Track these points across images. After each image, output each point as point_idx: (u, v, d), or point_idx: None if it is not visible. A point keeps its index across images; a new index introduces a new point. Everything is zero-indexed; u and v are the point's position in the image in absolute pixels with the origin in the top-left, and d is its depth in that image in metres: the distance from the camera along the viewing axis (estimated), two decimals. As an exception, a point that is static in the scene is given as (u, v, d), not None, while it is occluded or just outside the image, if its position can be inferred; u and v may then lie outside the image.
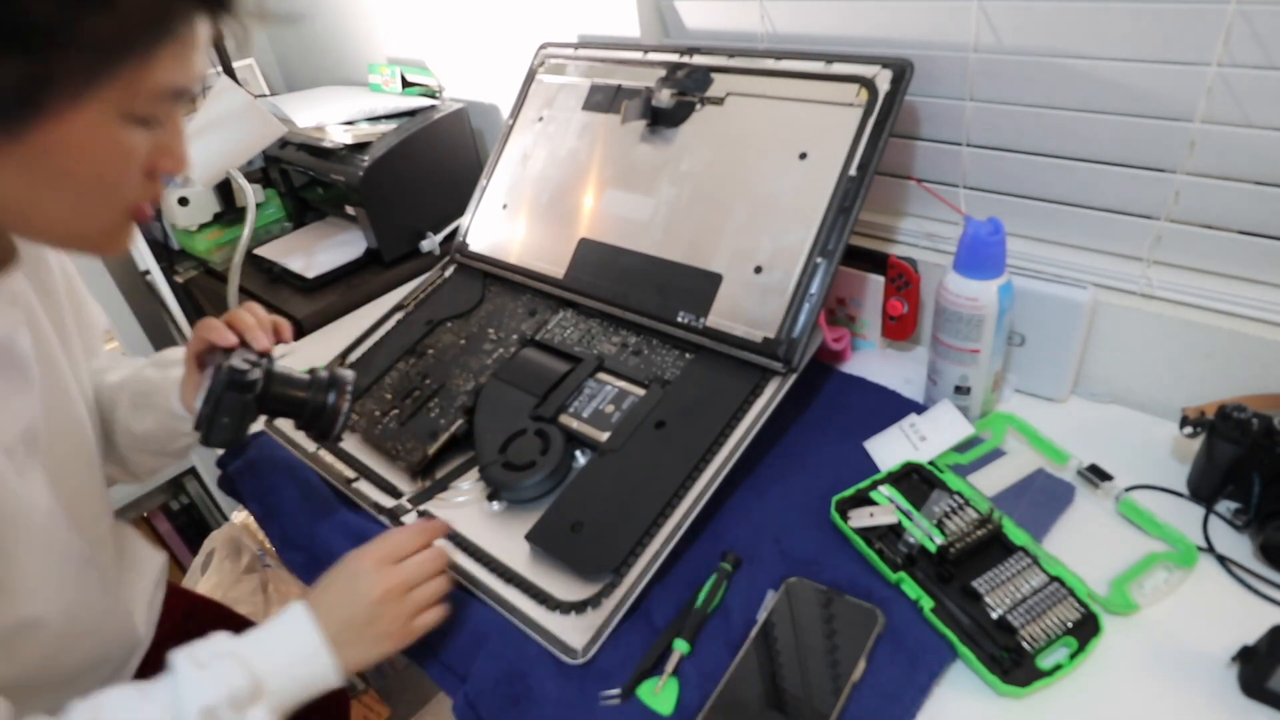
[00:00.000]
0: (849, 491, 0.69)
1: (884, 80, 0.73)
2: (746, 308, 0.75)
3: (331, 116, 1.23)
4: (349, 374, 0.68)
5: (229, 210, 1.35)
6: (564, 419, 0.77)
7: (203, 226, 1.34)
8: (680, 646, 0.59)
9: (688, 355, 0.78)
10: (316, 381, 0.66)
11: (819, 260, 0.72)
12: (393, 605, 0.57)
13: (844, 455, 0.75)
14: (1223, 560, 0.61)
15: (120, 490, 1.52)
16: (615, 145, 0.91)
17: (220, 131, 1.01)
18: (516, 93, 1.04)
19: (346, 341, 0.96)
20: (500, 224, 0.99)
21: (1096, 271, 0.76)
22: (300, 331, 1.11)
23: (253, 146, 1.06)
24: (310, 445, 0.84)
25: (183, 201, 1.30)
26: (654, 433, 0.72)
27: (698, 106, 0.86)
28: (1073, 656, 0.55)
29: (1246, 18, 0.58)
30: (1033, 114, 0.73)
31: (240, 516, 1.47)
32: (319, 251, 1.24)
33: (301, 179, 1.37)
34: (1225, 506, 0.65)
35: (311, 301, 1.15)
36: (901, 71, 0.73)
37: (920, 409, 0.78)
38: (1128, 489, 0.67)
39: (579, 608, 0.62)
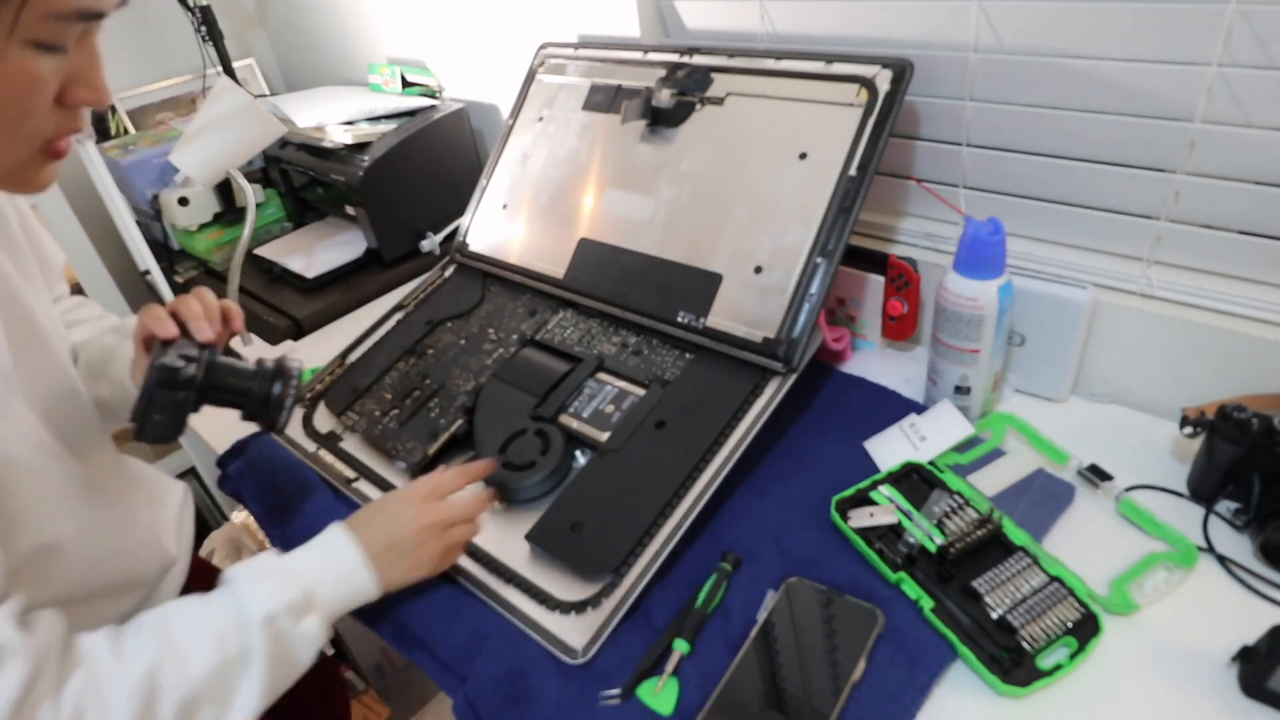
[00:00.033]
0: (849, 491, 0.69)
1: (884, 80, 0.73)
2: (746, 308, 0.75)
3: (331, 116, 1.23)
4: (296, 363, 0.66)
5: (229, 210, 1.35)
6: (564, 419, 0.77)
7: (203, 226, 1.34)
8: (680, 646, 0.59)
9: (688, 355, 0.78)
10: (260, 372, 0.65)
11: (819, 260, 0.72)
12: (433, 536, 0.63)
13: (844, 455, 0.75)
14: (1223, 560, 0.61)
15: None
16: (615, 145, 0.91)
17: (220, 131, 1.01)
18: (516, 93, 1.04)
19: (346, 341, 0.96)
20: (500, 224, 0.99)
21: (1096, 271, 0.76)
22: (300, 331, 1.12)
23: (253, 146, 1.06)
24: (310, 445, 0.84)
25: (183, 201, 1.30)
26: (654, 433, 0.72)
27: (698, 106, 0.86)
28: (1073, 656, 0.55)
29: (1246, 18, 0.58)
30: (1033, 114, 0.73)
31: (240, 516, 1.47)
32: (319, 251, 1.24)
33: (301, 179, 1.37)
34: (1225, 506, 0.65)
35: (311, 301, 1.15)
36: (901, 71, 0.73)
37: (920, 409, 0.78)
38: (1128, 489, 0.67)
39: (579, 608, 0.62)
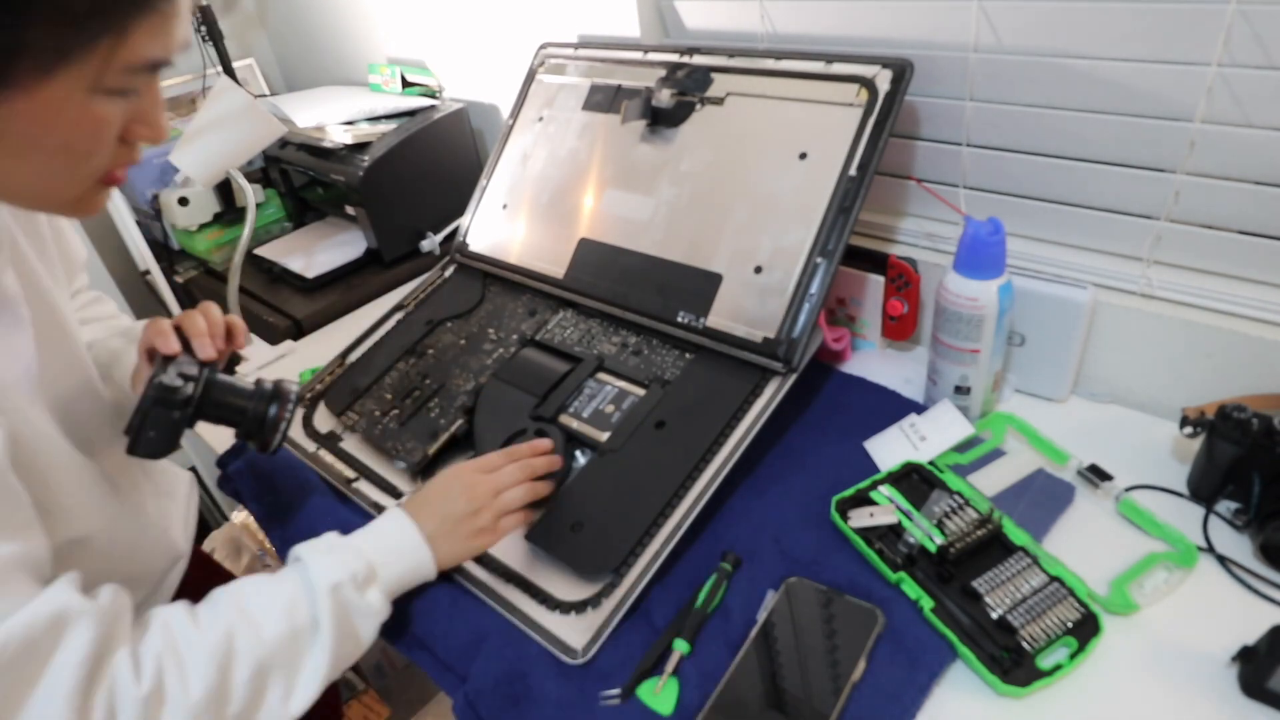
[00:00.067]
0: (849, 491, 0.69)
1: (884, 80, 0.73)
2: (746, 308, 0.75)
3: (331, 116, 1.23)
4: (293, 386, 0.67)
5: (229, 210, 1.35)
6: (564, 419, 0.77)
7: (203, 226, 1.34)
8: (680, 646, 0.59)
9: (688, 355, 0.78)
10: (259, 392, 0.66)
11: (819, 260, 0.72)
12: (485, 505, 0.65)
13: (844, 455, 0.75)
14: (1223, 560, 0.61)
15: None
16: (615, 145, 0.91)
17: (220, 131, 1.01)
18: (516, 93, 1.04)
19: (346, 341, 0.96)
20: (500, 224, 0.99)
21: (1096, 271, 0.76)
22: (300, 331, 1.12)
23: (253, 146, 1.06)
24: (310, 445, 0.84)
25: (183, 201, 1.30)
26: (654, 433, 0.72)
27: (698, 106, 0.86)
28: (1073, 656, 0.55)
29: (1246, 18, 0.58)
30: (1033, 114, 0.73)
31: (240, 516, 1.47)
32: (319, 251, 1.24)
33: (301, 179, 1.37)
34: (1225, 506, 0.65)
35: (311, 301, 1.15)
36: (901, 71, 0.73)
37: (920, 409, 0.78)
38: (1128, 489, 0.67)
39: (579, 608, 0.62)
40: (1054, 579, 0.59)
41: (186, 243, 1.36)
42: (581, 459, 0.75)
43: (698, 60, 0.88)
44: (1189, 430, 0.66)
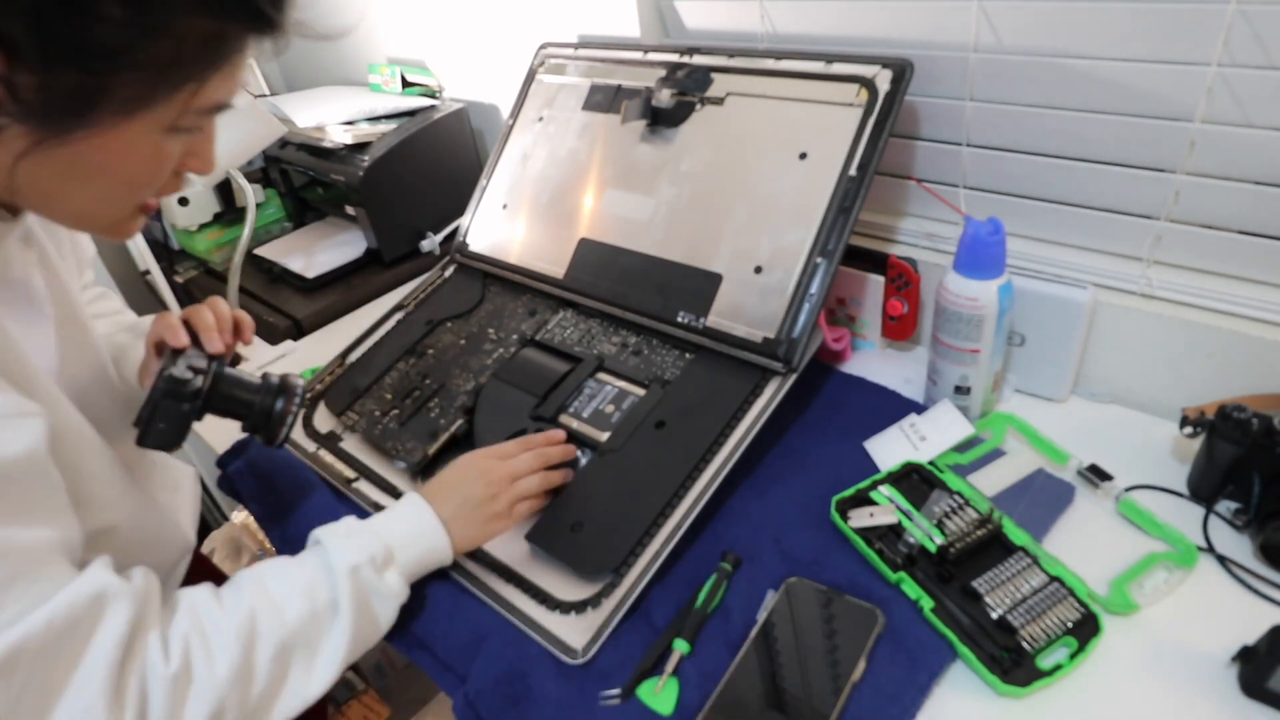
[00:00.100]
0: (849, 491, 0.69)
1: (884, 80, 0.73)
2: (746, 308, 0.75)
3: (331, 116, 1.23)
4: (299, 381, 0.69)
5: (229, 210, 1.35)
6: (564, 419, 0.77)
7: (203, 226, 1.34)
8: (680, 646, 0.59)
9: (688, 355, 0.78)
10: (265, 386, 0.67)
11: (819, 260, 0.72)
12: (501, 490, 0.66)
13: (844, 455, 0.75)
14: (1223, 560, 0.61)
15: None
16: (615, 145, 0.91)
17: (220, 131, 1.01)
18: (516, 93, 1.04)
19: (346, 341, 0.96)
20: (500, 224, 0.99)
21: (1096, 271, 0.76)
22: (300, 331, 1.12)
23: (253, 146, 1.06)
24: (310, 445, 0.84)
25: (183, 201, 1.30)
26: (654, 433, 0.72)
27: (698, 106, 0.86)
28: (1073, 656, 0.55)
29: (1246, 18, 0.58)
30: (1033, 114, 0.73)
31: (240, 516, 1.47)
32: (319, 251, 1.24)
33: (301, 179, 1.37)
34: (1225, 506, 0.65)
35: (311, 301, 1.15)
36: (901, 71, 0.73)
37: (920, 409, 0.78)
38: (1128, 489, 0.67)
39: (579, 608, 0.62)
40: (1054, 579, 0.59)
41: (186, 243, 1.36)
42: (582, 459, 0.75)
43: (698, 60, 0.88)
44: (1189, 430, 0.66)
